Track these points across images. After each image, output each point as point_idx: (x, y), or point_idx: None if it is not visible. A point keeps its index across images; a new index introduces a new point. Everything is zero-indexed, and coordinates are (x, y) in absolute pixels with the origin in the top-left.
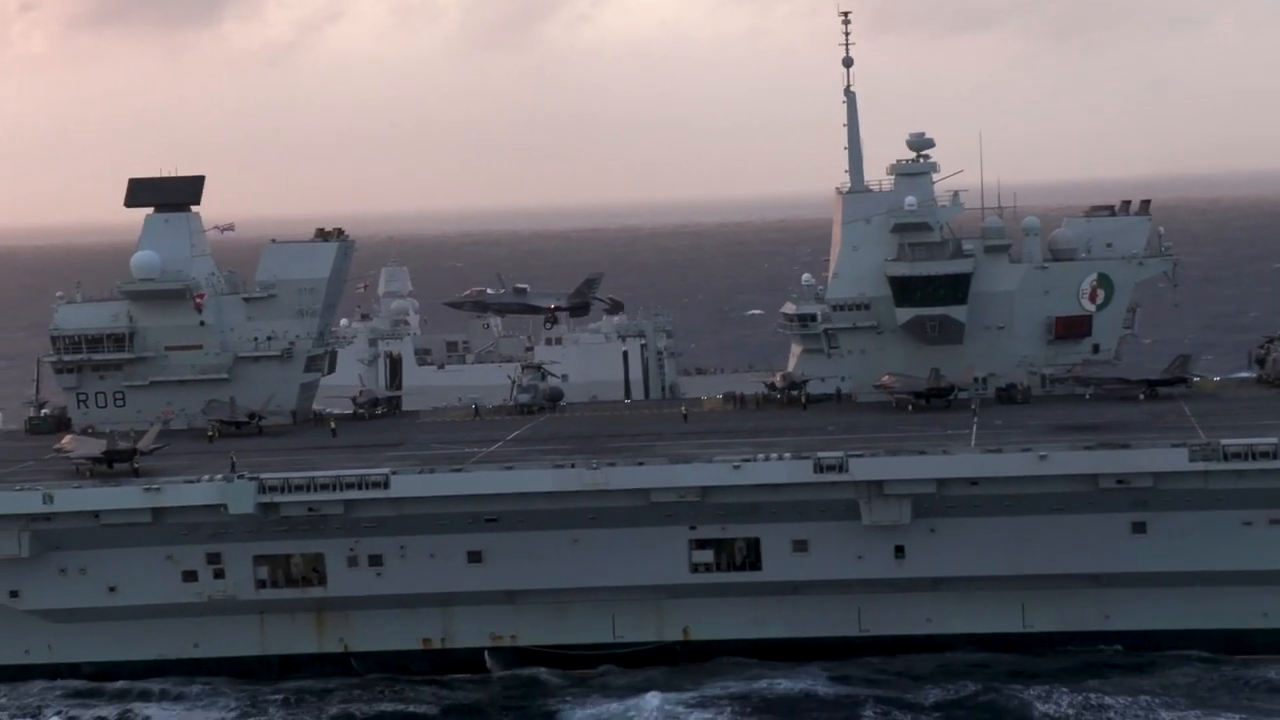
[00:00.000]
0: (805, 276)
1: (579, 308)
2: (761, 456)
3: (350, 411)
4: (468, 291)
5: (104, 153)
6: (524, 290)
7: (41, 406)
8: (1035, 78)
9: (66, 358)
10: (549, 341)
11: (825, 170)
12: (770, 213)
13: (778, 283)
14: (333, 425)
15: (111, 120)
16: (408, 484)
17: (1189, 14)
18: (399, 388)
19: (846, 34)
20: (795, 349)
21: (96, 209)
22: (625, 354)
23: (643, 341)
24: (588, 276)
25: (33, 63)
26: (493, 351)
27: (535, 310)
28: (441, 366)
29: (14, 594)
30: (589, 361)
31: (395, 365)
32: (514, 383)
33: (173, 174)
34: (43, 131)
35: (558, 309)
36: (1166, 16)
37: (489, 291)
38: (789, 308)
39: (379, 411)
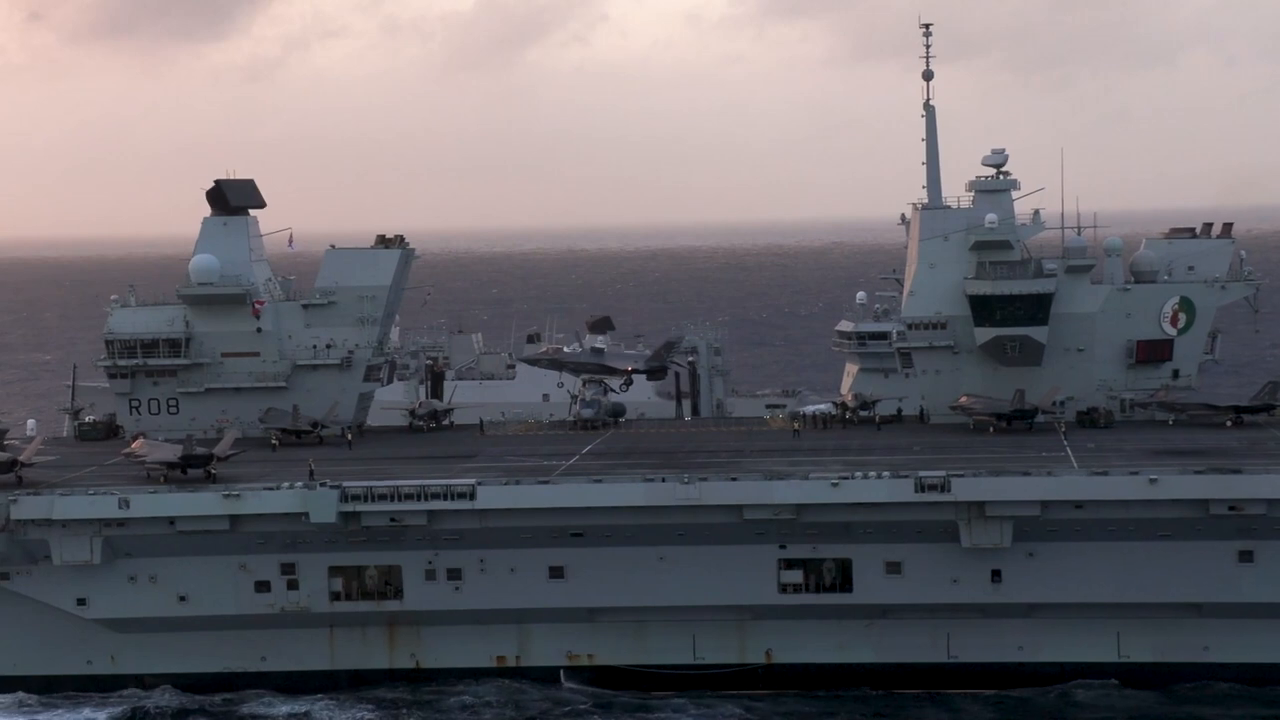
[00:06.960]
0: (860, 295)
1: (656, 370)
2: (859, 474)
3: (406, 424)
4: (544, 349)
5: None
6: (601, 350)
7: (77, 414)
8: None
9: (121, 362)
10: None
11: (812, 194)
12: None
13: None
14: (349, 437)
15: (81, 129)
16: (494, 495)
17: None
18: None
19: (927, 46)
20: (851, 368)
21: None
22: (677, 372)
23: (692, 359)
24: (667, 339)
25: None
26: (473, 369)
27: (612, 371)
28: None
29: (81, 601)
30: (636, 379)
31: (436, 379)
32: (574, 398)
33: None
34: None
35: (634, 371)
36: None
37: (565, 350)
38: (845, 325)
39: (434, 425)
